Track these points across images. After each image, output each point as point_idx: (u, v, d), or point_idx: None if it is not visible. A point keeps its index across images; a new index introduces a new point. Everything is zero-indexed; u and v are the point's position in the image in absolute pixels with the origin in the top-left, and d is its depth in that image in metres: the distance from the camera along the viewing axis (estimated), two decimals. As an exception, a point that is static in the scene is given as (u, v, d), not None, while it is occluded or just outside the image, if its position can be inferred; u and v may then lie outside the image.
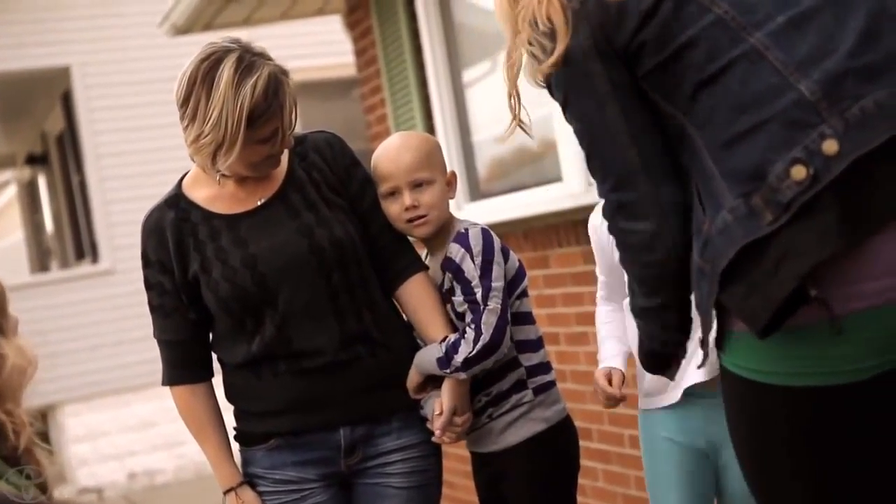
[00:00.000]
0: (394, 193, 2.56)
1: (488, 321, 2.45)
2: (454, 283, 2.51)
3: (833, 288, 1.54)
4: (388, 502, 2.56)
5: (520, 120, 1.92)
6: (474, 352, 2.44)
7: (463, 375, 2.47)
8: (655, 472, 2.78)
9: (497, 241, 2.55)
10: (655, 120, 1.77)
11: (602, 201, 1.85)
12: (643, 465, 2.85)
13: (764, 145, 1.58)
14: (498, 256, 2.51)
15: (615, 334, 2.80)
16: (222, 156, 2.38)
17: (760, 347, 1.63)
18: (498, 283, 2.48)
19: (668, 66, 1.69)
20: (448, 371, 2.47)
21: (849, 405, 1.61)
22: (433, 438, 2.54)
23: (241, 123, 2.34)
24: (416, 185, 2.54)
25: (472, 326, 2.45)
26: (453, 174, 2.65)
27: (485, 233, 2.53)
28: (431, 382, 2.55)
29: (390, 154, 2.58)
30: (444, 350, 2.47)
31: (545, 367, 2.60)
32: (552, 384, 2.60)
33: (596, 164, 1.82)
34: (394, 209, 2.56)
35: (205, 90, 2.35)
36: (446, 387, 2.51)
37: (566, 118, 1.84)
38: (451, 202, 2.68)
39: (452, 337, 2.48)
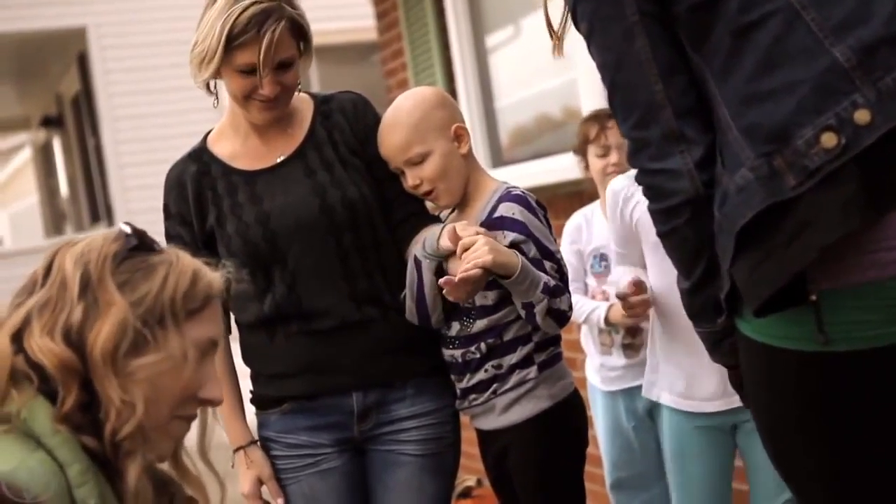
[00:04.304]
0: (401, 171, 2.51)
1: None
2: (520, 236, 2.39)
3: (850, 257, 1.53)
4: (401, 469, 2.53)
5: (558, 37, 1.86)
6: (567, 313, 2.40)
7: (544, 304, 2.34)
8: (675, 450, 2.80)
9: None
10: (684, 56, 1.70)
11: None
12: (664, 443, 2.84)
13: (792, 107, 1.54)
14: None
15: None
16: (204, 67, 2.41)
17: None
18: None
19: (700, 11, 1.64)
20: (539, 292, 2.33)
21: (866, 372, 1.57)
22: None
23: (221, 40, 2.35)
24: (415, 163, 2.47)
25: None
26: (459, 128, 2.52)
27: (538, 201, 2.47)
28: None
29: (382, 136, 2.51)
30: (552, 285, 2.35)
31: (554, 340, 2.51)
32: (559, 357, 2.51)
33: (618, 99, 1.74)
34: (406, 186, 2.52)
35: (212, 1, 2.39)
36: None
37: (590, 51, 1.77)
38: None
39: (552, 283, 2.37)
